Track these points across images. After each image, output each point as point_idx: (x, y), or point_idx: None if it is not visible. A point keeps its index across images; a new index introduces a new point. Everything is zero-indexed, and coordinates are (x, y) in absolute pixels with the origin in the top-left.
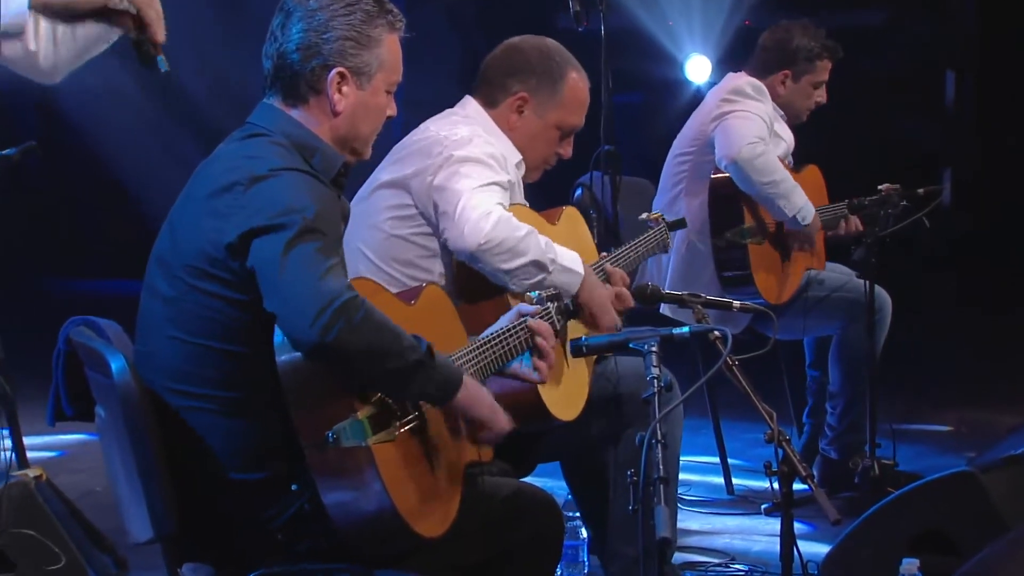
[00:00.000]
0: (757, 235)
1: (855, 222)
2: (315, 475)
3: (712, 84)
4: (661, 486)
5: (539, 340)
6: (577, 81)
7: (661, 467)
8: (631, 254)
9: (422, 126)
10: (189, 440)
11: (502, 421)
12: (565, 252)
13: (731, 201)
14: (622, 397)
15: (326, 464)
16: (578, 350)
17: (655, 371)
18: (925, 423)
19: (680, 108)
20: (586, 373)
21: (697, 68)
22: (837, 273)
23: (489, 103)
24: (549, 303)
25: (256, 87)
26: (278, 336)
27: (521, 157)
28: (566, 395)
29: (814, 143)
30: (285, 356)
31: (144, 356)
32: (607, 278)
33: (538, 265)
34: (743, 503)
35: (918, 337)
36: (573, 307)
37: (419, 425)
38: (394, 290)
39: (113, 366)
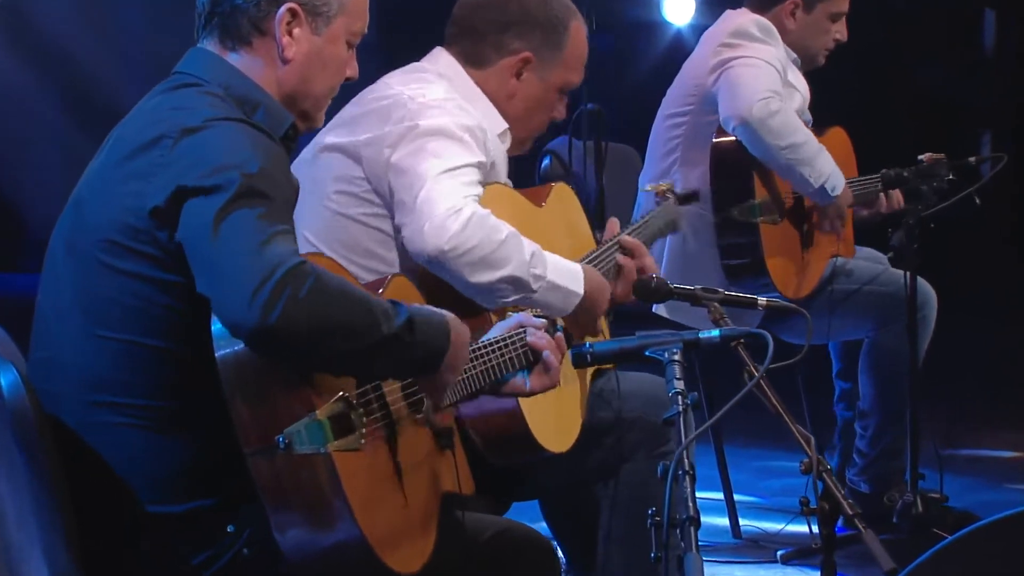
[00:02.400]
0: (771, 212)
1: (897, 197)
2: (261, 492)
3: (696, 26)
4: (691, 528)
5: (547, 356)
6: (580, 32)
7: (690, 504)
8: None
9: (382, 81)
10: (100, 466)
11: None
12: (559, 264)
13: (739, 170)
14: (624, 422)
15: (275, 477)
16: (581, 359)
17: (679, 385)
18: (979, 448)
19: (658, 55)
20: (579, 395)
21: (677, 7)
22: (868, 262)
23: (474, 62)
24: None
25: (164, 57)
26: (216, 323)
27: (506, 127)
28: (558, 422)
29: (823, 98)
30: (226, 348)
31: (43, 364)
32: (630, 252)
33: (517, 283)
34: (754, 549)
35: (970, 341)
36: (564, 332)
37: (388, 433)
38: None
39: (2, 380)
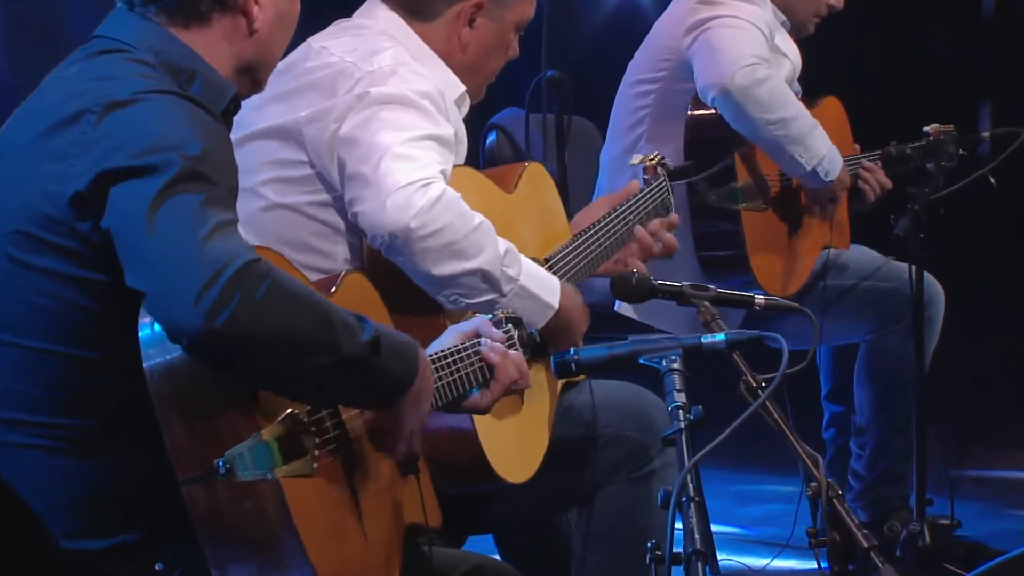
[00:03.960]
0: (756, 197)
1: (878, 178)
2: (197, 525)
3: None
4: (699, 564)
5: (498, 375)
6: None
7: (696, 536)
8: (623, 222)
9: (314, 47)
10: (4, 495)
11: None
12: (534, 270)
13: (718, 147)
14: (598, 439)
15: (214, 508)
16: (565, 367)
17: (680, 398)
18: (994, 468)
19: (607, 13)
20: (546, 414)
21: None
22: (866, 254)
23: (419, 14)
24: (509, 326)
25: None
26: (145, 328)
27: (463, 89)
28: (520, 447)
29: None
30: (157, 358)
31: None
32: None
33: (487, 279)
34: None
35: (982, 344)
36: (540, 340)
37: (344, 455)
38: None
39: None
